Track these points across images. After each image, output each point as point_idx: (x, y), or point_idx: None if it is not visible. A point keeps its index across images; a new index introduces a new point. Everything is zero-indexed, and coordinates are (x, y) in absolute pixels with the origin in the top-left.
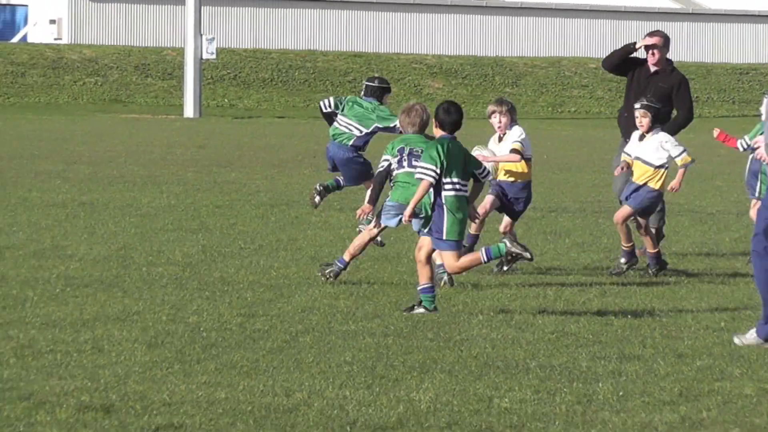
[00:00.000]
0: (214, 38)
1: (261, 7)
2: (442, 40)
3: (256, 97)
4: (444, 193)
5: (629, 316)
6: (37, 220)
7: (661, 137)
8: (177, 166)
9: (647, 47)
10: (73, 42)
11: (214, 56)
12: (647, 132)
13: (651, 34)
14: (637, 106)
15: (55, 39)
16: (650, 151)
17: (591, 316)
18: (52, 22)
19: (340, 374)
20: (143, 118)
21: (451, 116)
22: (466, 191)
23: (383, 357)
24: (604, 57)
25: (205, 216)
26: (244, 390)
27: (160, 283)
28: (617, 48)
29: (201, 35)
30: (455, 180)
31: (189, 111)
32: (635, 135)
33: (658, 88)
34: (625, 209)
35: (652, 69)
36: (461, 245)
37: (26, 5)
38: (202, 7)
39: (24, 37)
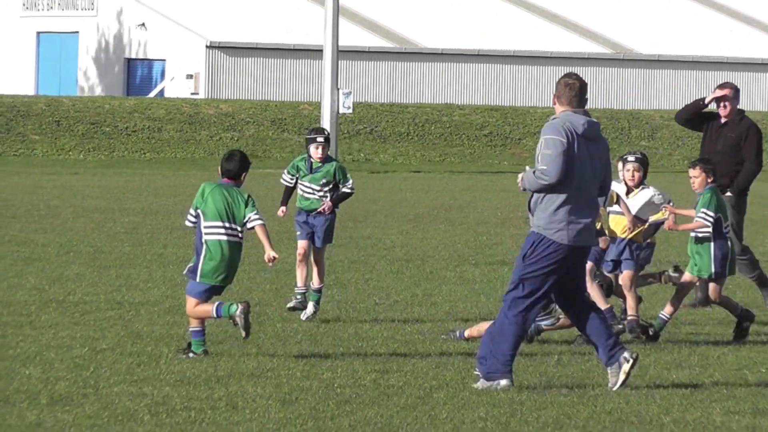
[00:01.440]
0: (350, 92)
1: (398, 61)
2: None
3: (392, 152)
4: (204, 237)
5: (764, 370)
6: (172, 276)
7: (651, 192)
8: None
9: (718, 99)
10: (209, 97)
11: (350, 110)
12: (636, 186)
13: (721, 86)
14: (630, 159)
15: (192, 94)
16: (639, 205)
17: (725, 370)
18: (189, 76)
19: (474, 430)
20: (280, 173)
21: (229, 164)
22: (227, 237)
23: (517, 413)
24: (677, 112)
25: (340, 271)
26: None
27: (295, 339)
28: (689, 103)
29: (338, 89)
30: (213, 224)
31: None
32: (621, 189)
33: (727, 139)
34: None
35: (723, 121)
36: (210, 292)
37: (164, 60)
38: (339, 61)
39: (161, 92)
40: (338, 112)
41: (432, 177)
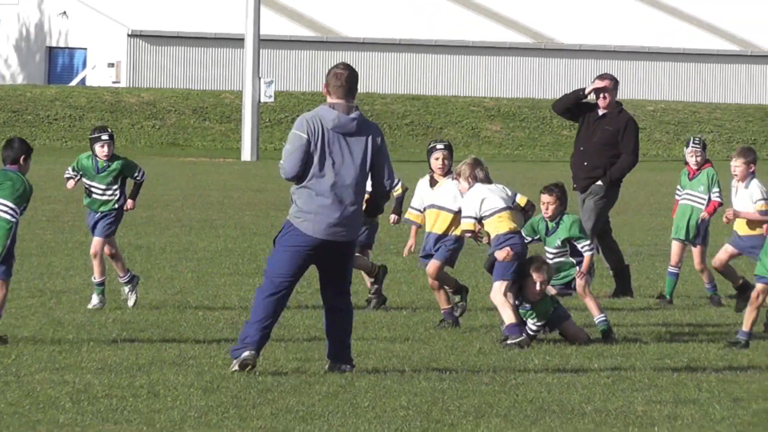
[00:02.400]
0: (272, 81)
1: (319, 50)
2: (500, 82)
3: None
4: None
5: (685, 360)
6: None
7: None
8: (234, 209)
9: (597, 91)
10: (131, 85)
11: (272, 99)
12: (444, 176)
13: (601, 77)
14: (439, 147)
15: (114, 82)
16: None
17: (646, 360)
18: (111, 65)
19: (396, 419)
20: (201, 162)
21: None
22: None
23: (439, 401)
24: (554, 101)
25: (261, 260)
26: None
27: (216, 327)
28: (568, 92)
29: (259, 78)
30: None
31: (246, 154)
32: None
33: (604, 131)
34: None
35: (600, 112)
36: None
37: (85, 49)
38: (261, 50)
39: (82, 81)
40: (260, 101)
41: None
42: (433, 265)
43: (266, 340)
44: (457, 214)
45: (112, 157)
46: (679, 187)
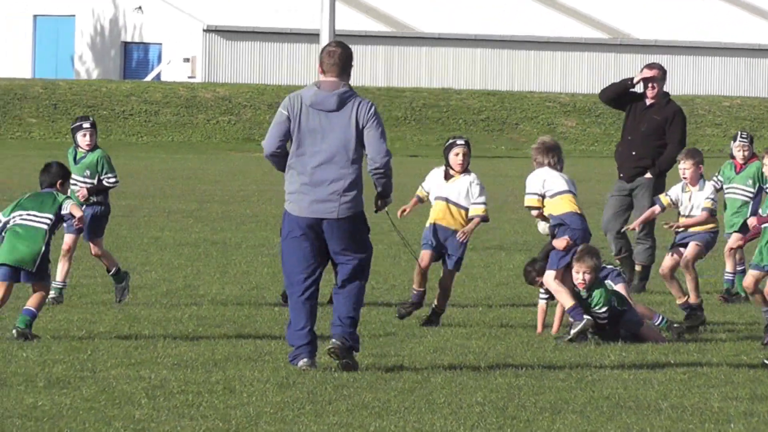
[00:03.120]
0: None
1: (394, 45)
2: (575, 78)
3: (390, 136)
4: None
5: (761, 356)
6: (169, 259)
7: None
8: None
9: (645, 80)
10: (206, 80)
11: None
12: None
13: (649, 66)
14: (460, 142)
15: (189, 77)
16: (462, 194)
17: (723, 356)
18: (186, 60)
19: (472, 415)
20: None
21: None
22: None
23: (515, 397)
24: (601, 89)
25: None
26: (375, 431)
27: None
28: (616, 81)
29: None
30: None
31: None
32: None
33: (651, 121)
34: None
35: (648, 102)
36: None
37: (160, 44)
38: None
39: (158, 76)
40: None
41: (429, 162)
42: (451, 276)
43: (315, 344)
44: (466, 212)
45: (93, 148)
46: (721, 177)
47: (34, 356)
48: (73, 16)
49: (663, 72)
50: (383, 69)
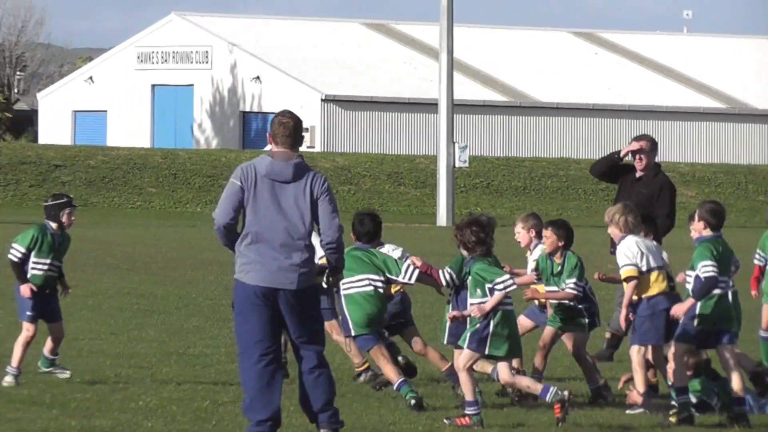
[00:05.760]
0: (466, 146)
1: (513, 115)
2: (694, 147)
3: (509, 206)
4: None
5: None
6: None
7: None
8: None
9: (634, 153)
10: (325, 150)
11: (466, 164)
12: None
13: (637, 138)
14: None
15: (308, 147)
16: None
17: None
18: (305, 130)
19: None
20: (396, 227)
21: (365, 227)
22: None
23: None
24: (591, 164)
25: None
26: None
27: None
28: (605, 155)
29: (454, 143)
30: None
31: (442, 220)
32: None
33: (639, 195)
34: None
35: (638, 175)
36: None
37: None
38: (455, 115)
39: None
40: (455, 166)
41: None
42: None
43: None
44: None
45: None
46: (759, 251)
47: (159, 426)
48: (192, 85)
49: (652, 143)
50: (501, 138)
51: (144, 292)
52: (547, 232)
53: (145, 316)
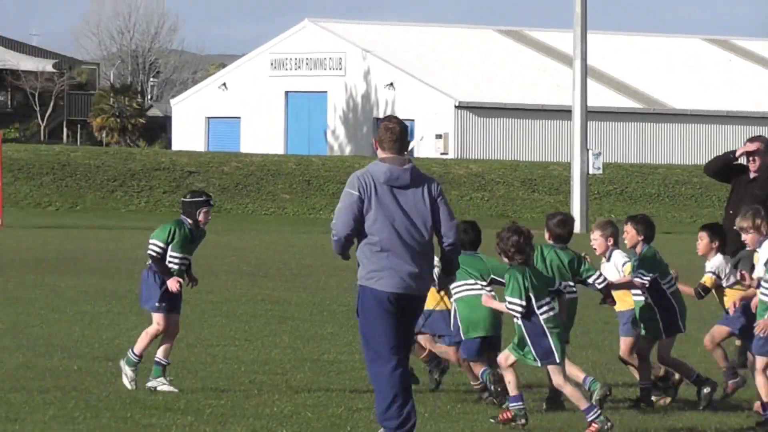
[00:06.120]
0: (600, 153)
1: (647, 122)
2: None
3: (643, 212)
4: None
5: None
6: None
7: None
8: None
9: (748, 154)
10: (459, 156)
11: (600, 171)
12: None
13: (751, 140)
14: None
15: (442, 154)
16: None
17: None
18: (438, 137)
19: None
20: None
21: (468, 236)
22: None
23: None
24: (706, 163)
25: (593, 333)
26: None
27: None
28: (719, 155)
29: (587, 150)
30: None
31: (576, 227)
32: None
33: (753, 196)
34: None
35: (751, 176)
36: None
37: (413, 120)
38: (588, 122)
39: (411, 152)
40: (588, 173)
41: (683, 239)
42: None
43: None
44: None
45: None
46: None
47: None
48: (325, 92)
49: (766, 145)
50: (635, 145)
51: (278, 298)
52: (627, 227)
53: (279, 322)
